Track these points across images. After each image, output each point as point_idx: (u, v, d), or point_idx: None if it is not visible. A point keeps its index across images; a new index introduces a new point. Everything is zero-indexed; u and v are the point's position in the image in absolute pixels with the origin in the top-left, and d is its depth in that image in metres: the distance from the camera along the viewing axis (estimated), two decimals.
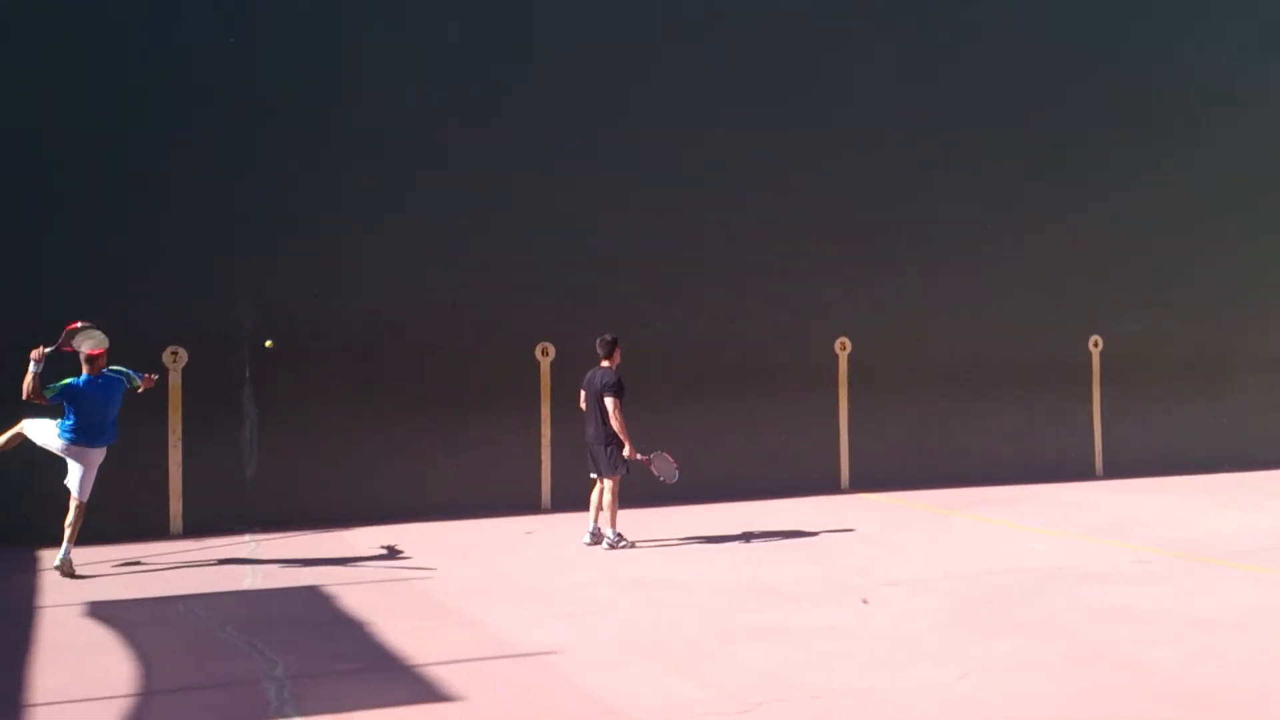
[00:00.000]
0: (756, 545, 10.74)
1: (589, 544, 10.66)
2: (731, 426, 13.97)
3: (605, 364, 10.80)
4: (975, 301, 15.25)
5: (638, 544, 10.67)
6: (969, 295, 15.22)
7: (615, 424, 10.53)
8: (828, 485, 14.37)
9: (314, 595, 8.70)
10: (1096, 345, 15.96)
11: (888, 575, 9.28)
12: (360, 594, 8.63)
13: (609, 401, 10.55)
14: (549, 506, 12.94)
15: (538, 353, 13.13)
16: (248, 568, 9.76)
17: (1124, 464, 15.80)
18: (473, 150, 12.95)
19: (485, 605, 8.26)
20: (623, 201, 13.64)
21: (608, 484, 10.65)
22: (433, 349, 12.68)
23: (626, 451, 10.58)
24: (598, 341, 10.94)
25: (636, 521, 11.80)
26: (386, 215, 12.58)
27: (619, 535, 10.61)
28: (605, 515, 10.65)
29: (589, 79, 13.52)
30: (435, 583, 9.07)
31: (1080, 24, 16.01)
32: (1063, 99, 15.80)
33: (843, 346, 14.62)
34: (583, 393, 10.95)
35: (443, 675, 6.45)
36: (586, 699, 6.07)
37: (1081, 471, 15.68)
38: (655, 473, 10.88)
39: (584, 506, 11.17)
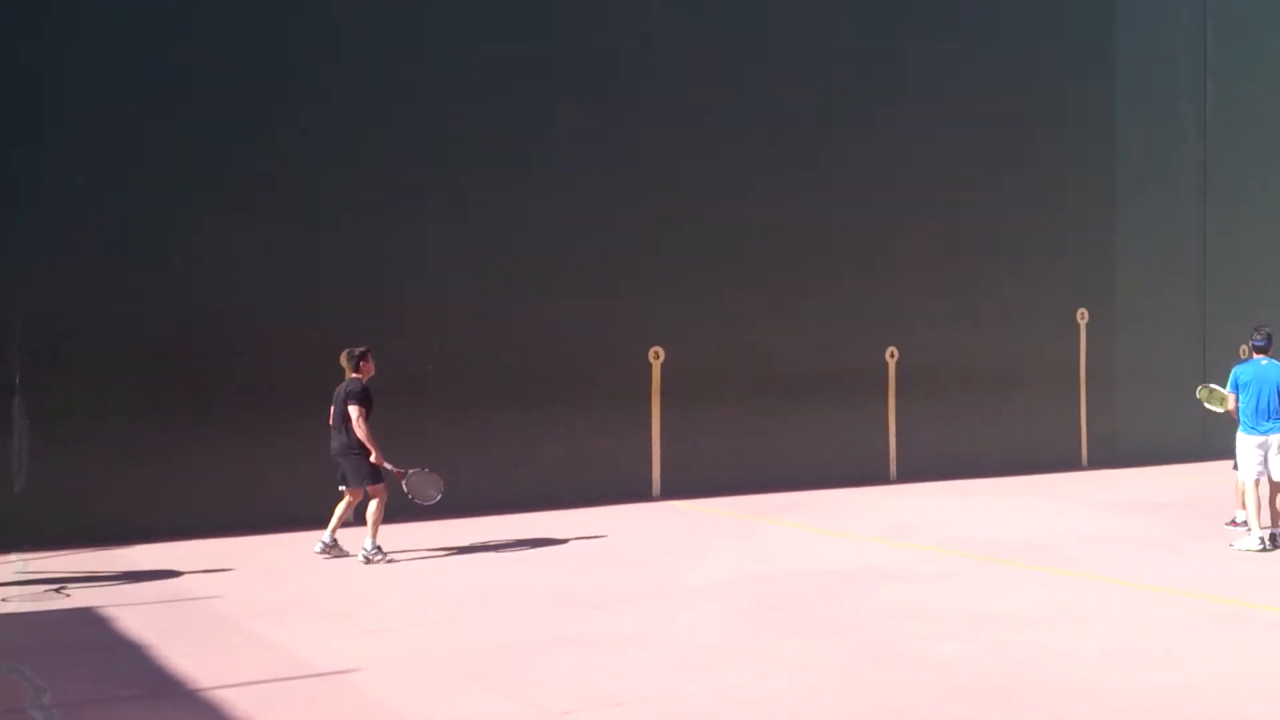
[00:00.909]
0: (566, 554, 10.68)
1: (319, 552, 10.35)
2: (545, 435, 13.88)
3: (354, 376, 10.45)
4: (783, 313, 15.59)
5: (395, 558, 10.27)
6: (777, 307, 15.55)
7: (360, 432, 10.14)
8: (640, 493, 14.45)
9: (89, 617, 8.17)
10: (893, 356, 16.55)
11: (693, 581, 9.36)
12: (141, 615, 8.16)
13: (352, 409, 10.17)
14: (352, 519, 12.57)
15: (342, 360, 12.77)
16: (14, 589, 9.11)
17: (917, 469, 16.42)
18: (268, 144, 12.50)
19: (279, 624, 7.92)
20: (430, 199, 13.42)
21: (373, 499, 10.27)
22: (227, 354, 12.11)
23: (374, 458, 10.19)
24: (344, 354, 10.67)
25: (445, 532, 11.60)
26: (170, 213, 11.99)
27: (377, 548, 10.18)
28: (369, 526, 10.23)
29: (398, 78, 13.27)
30: (225, 602, 8.66)
31: (872, 41, 16.60)
32: (858, 119, 16.32)
33: (656, 356, 14.73)
34: (332, 409, 10.50)
35: (230, 698, 6.14)
36: (386, 716, 5.88)
37: (878, 476, 16.23)
38: (405, 489, 10.40)
39: (399, 518, 10.94)
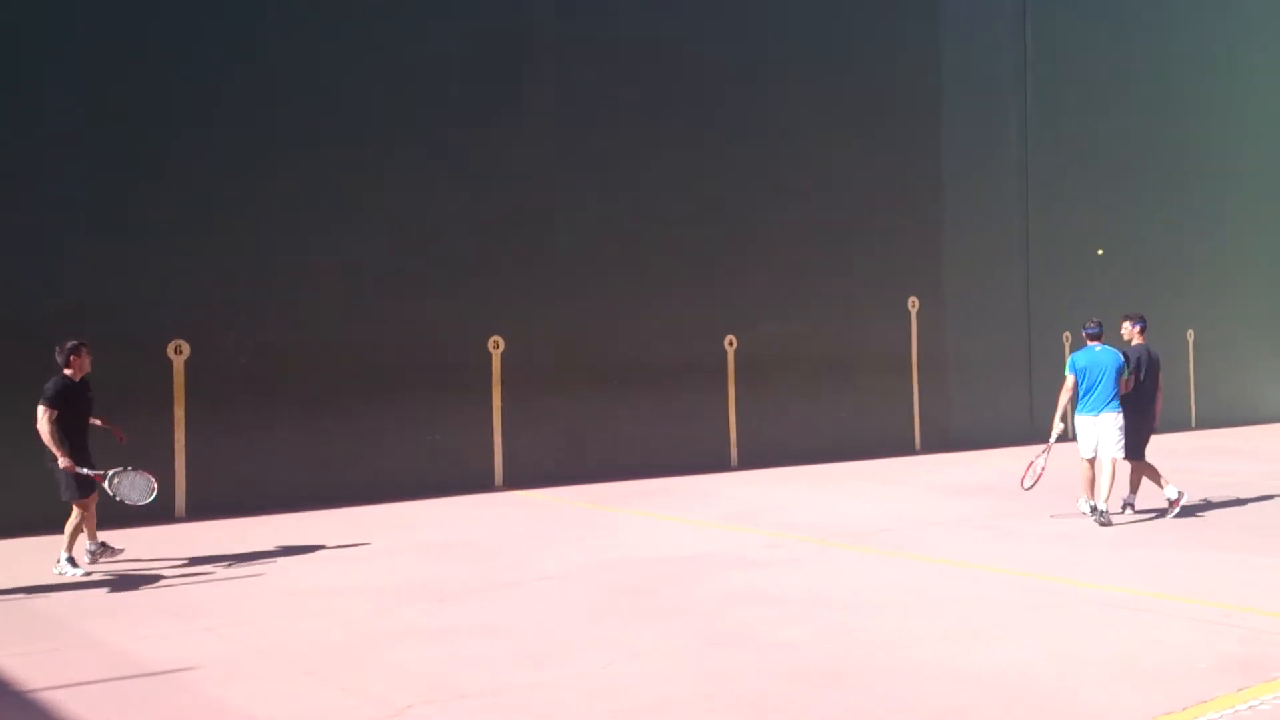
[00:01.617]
0: (409, 546, 10.55)
1: (91, 561, 9.64)
2: (386, 426, 13.72)
3: (65, 372, 9.35)
4: (623, 303, 15.73)
5: (94, 570, 9.44)
6: (618, 297, 15.67)
7: (43, 435, 9.07)
8: (482, 484, 14.38)
9: None
10: (731, 345, 16.84)
11: (538, 570, 9.36)
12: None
13: (39, 410, 9.06)
14: (184, 515, 12.20)
15: (170, 351, 12.35)
16: None
17: (756, 455, 16.77)
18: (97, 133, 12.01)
19: (109, 623, 7.63)
20: (280, 192, 13.07)
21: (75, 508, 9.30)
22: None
23: (63, 464, 9.11)
24: (57, 349, 9.47)
25: (283, 527, 11.33)
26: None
27: (70, 560, 9.26)
28: (64, 535, 9.34)
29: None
30: (51, 601, 8.30)
31: (697, 40, 16.84)
32: (694, 114, 16.53)
33: (496, 345, 14.66)
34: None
35: (59, 700, 5.90)
36: (224, 715, 5.72)
37: (719, 463, 16.51)
38: (110, 491, 9.28)
39: (224, 514, 10.63)
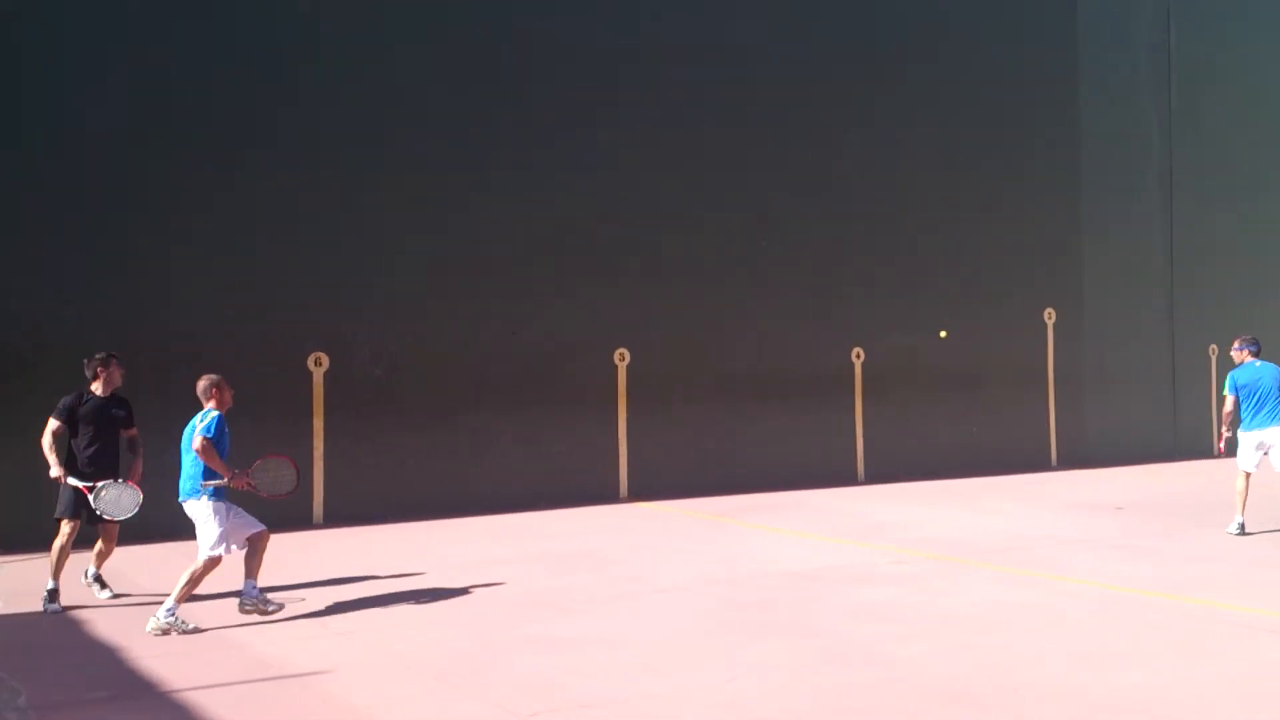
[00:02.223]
0: (532, 557, 10.71)
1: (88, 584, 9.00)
2: (511, 437, 13.95)
3: (93, 386, 8.83)
4: (748, 314, 15.70)
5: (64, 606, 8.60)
6: (742, 308, 15.65)
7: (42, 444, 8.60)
8: (607, 495, 14.51)
9: (61, 620, 8.19)
10: (859, 357, 16.67)
11: (660, 582, 9.41)
12: (111, 619, 8.16)
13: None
14: (321, 522, 12.60)
15: (310, 363, 12.79)
16: None
17: (884, 470, 16.54)
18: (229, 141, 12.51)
19: (249, 627, 7.94)
20: (400, 202, 13.45)
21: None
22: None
23: (52, 473, 8.55)
24: (85, 361, 8.98)
25: (411, 535, 11.61)
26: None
27: (49, 592, 8.47)
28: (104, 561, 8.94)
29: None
30: (191, 605, 8.66)
31: (838, 50, 16.71)
32: (824, 123, 16.43)
33: (621, 357, 14.79)
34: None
35: (201, 700, 6.17)
36: (351, 716, 5.91)
37: (845, 477, 16.34)
38: (94, 504, 8.48)
39: (357, 522, 10.90)
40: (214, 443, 7.99)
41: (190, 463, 8.01)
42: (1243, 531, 11.09)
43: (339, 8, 13.20)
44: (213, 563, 8.00)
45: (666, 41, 15.30)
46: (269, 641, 7.49)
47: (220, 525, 8.00)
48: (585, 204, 14.58)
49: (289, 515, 12.23)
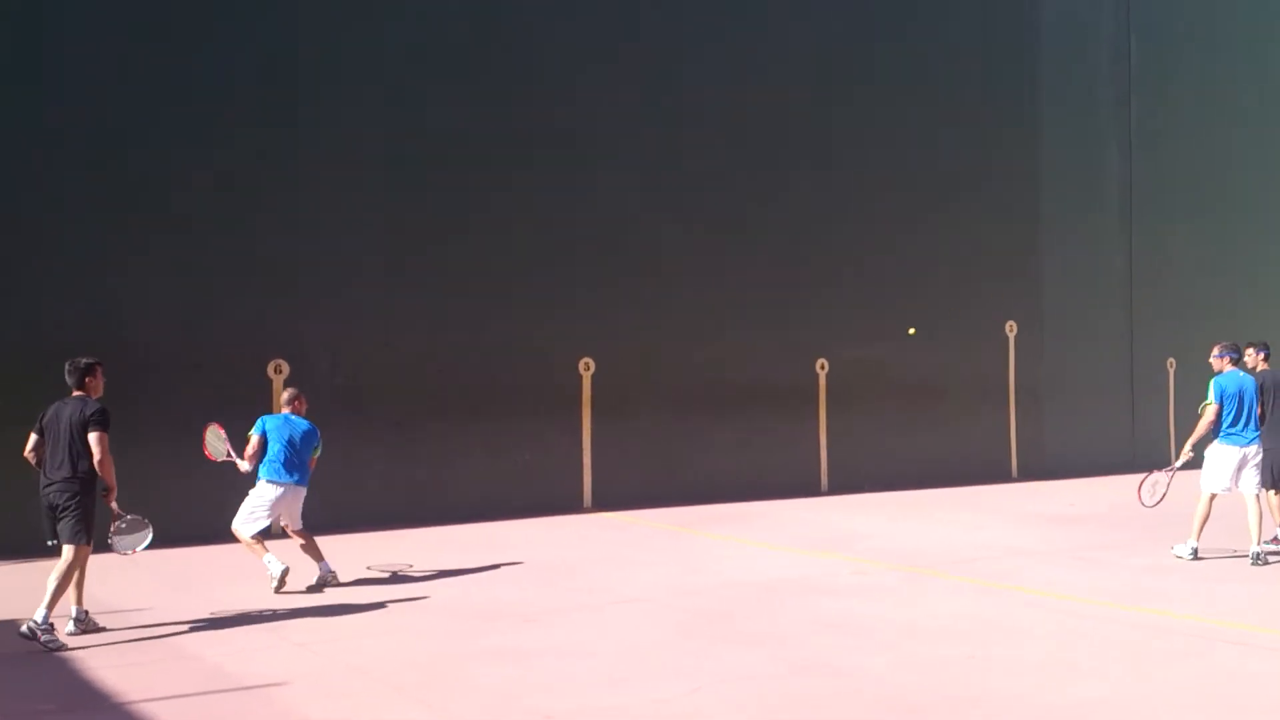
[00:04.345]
0: (496, 566, 10.65)
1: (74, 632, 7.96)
2: (474, 447, 13.87)
3: (78, 394, 8.19)
4: (713, 325, 15.68)
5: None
6: (707, 319, 15.64)
7: (110, 466, 8.05)
8: (570, 505, 14.46)
9: (11, 629, 8.05)
10: (823, 368, 16.72)
11: (623, 593, 9.38)
12: (64, 627, 8.02)
13: (100, 436, 7.92)
14: (278, 532, 12.48)
15: (270, 370, 12.67)
16: None
17: (848, 481, 16.58)
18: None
19: (204, 638, 7.84)
20: (359, 209, 13.37)
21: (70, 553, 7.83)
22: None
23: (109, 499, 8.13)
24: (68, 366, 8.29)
25: (373, 545, 11.52)
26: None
27: (47, 625, 7.62)
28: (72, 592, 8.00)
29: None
30: (147, 615, 8.55)
31: (805, 45, 16.77)
32: (793, 132, 16.49)
33: (586, 367, 14.76)
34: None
35: (154, 712, 6.07)
36: None
37: (808, 488, 16.36)
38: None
39: (315, 532, 10.76)
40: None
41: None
42: (1196, 556, 10.62)
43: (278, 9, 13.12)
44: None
45: (626, 45, 15.30)
46: (225, 652, 7.39)
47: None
48: (550, 213, 14.53)
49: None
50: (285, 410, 10.07)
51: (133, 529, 8.20)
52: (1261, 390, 10.87)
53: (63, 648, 7.52)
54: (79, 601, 8.02)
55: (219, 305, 12.51)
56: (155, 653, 7.44)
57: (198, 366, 12.28)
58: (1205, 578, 9.90)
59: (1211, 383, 10.89)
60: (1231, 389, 10.72)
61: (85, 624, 7.99)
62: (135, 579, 9.83)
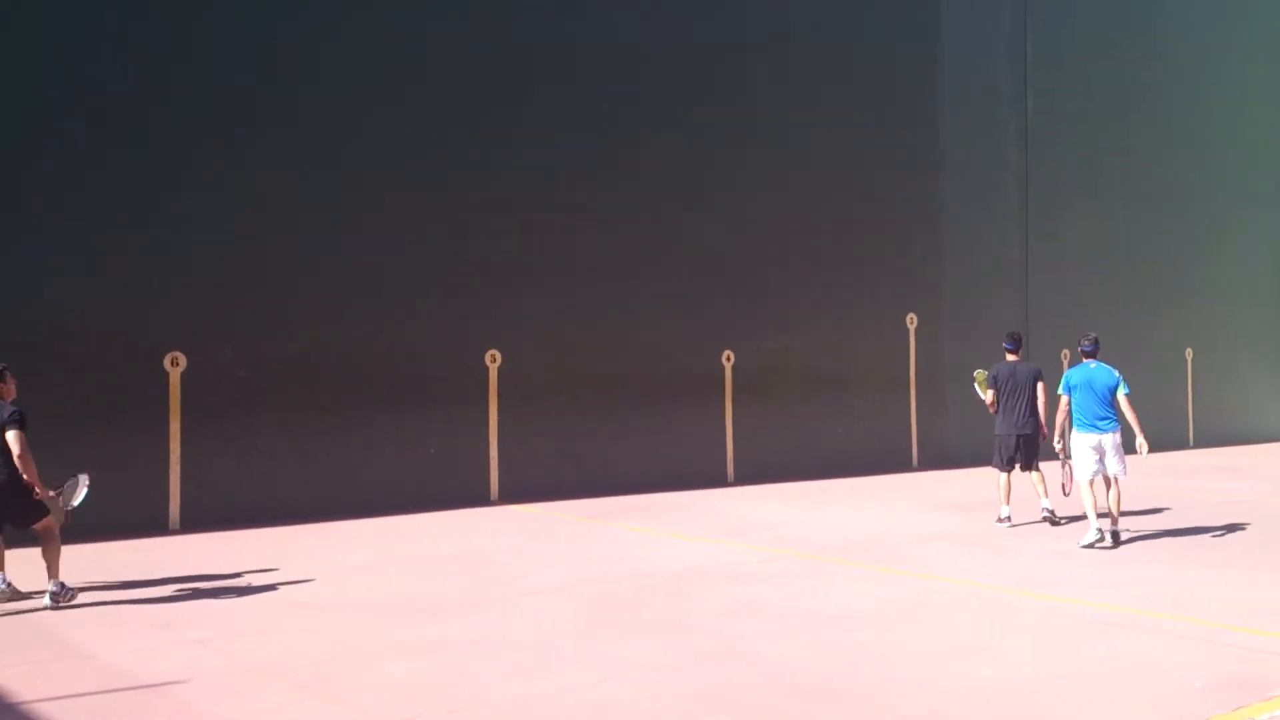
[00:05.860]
0: (402, 560, 10.53)
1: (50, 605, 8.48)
2: (381, 440, 13.69)
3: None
4: (619, 317, 15.70)
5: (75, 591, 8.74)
6: (613, 311, 15.64)
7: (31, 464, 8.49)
8: (478, 498, 14.35)
9: None
10: (729, 359, 16.84)
11: (532, 584, 9.35)
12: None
13: (17, 435, 8.39)
14: (178, 528, 12.20)
15: (167, 363, 12.36)
16: None
17: (753, 471, 16.73)
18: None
19: (101, 636, 7.62)
20: (267, 201, 13.10)
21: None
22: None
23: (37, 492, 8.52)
24: None
25: (277, 540, 11.31)
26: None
27: (61, 585, 8.57)
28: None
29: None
30: (42, 614, 8.28)
31: (719, 45, 16.86)
32: (694, 122, 16.54)
33: (493, 359, 14.65)
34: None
35: (52, 712, 5.88)
36: None
37: (715, 478, 16.48)
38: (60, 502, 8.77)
39: (217, 527, 10.60)
40: None
41: None
42: (1115, 543, 10.87)
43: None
44: None
45: (538, 41, 15.22)
46: (120, 650, 7.19)
47: None
48: (455, 204, 14.39)
49: (139, 519, 11.84)
50: None
51: (69, 491, 8.84)
52: (996, 380, 12.55)
53: (75, 594, 8.60)
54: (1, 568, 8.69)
55: (113, 296, 12.15)
56: (49, 651, 7.21)
57: (91, 359, 11.92)
58: (1104, 562, 10.20)
59: (1063, 376, 11.74)
60: (1076, 380, 11.32)
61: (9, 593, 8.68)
62: (27, 574, 9.51)
